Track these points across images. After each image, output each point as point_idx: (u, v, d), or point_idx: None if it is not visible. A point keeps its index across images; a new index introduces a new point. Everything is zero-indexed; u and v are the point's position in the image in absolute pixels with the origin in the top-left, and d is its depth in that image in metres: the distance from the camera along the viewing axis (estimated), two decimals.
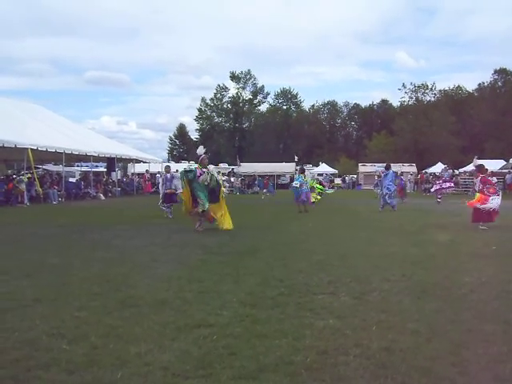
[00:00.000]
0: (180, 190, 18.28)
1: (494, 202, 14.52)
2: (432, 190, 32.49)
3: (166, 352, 4.49)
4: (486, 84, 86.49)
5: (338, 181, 68.24)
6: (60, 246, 11.48)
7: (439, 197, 29.68)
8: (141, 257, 9.70)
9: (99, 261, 9.25)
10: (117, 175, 44.90)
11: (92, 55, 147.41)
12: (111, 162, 41.49)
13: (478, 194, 15.18)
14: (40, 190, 29.71)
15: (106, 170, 45.28)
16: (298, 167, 23.70)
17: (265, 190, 43.30)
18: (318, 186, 25.48)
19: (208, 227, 14.36)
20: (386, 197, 23.14)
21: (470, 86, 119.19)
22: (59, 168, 38.79)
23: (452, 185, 31.05)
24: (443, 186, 30.20)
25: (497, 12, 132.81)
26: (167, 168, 21.27)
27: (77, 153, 33.07)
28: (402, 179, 32.12)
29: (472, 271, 8.13)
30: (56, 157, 34.76)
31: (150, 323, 5.31)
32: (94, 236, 13.05)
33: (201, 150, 14.64)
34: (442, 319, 5.47)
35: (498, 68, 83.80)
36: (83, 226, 15.50)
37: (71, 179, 43.32)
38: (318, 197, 22.21)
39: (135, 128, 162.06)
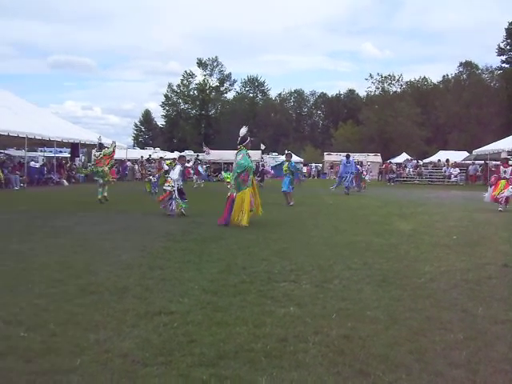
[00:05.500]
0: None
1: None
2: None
3: (126, 339, 4.48)
4: (450, 76, 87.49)
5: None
6: (21, 232, 11.25)
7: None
8: (103, 244, 9.61)
9: (61, 247, 9.14)
10: (81, 161, 44.25)
11: (57, 39, 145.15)
12: (75, 147, 40.86)
13: (503, 181, 17.52)
14: (1, 175, 29.10)
15: (69, 155, 44.56)
16: (286, 153, 21.71)
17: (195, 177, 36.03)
18: (226, 175, 21.99)
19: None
20: (345, 181, 27.09)
21: (435, 77, 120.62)
22: (21, 153, 38.02)
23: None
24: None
25: (463, 5, 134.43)
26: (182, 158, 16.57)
27: (40, 138, 32.30)
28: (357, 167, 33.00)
29: (432, 261, 8.28)
30: (18, 141, 34.04)
31: (110, 310, 5.27)
32: (56, 222, 12.84)
33: (244, 130, 13.30)
34: (400, 307, 5.56)
35: (463, 61, 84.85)
36: (45, 212, 15.24)
37: (34, 164, 42.53)
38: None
39: (100, 113, 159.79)
